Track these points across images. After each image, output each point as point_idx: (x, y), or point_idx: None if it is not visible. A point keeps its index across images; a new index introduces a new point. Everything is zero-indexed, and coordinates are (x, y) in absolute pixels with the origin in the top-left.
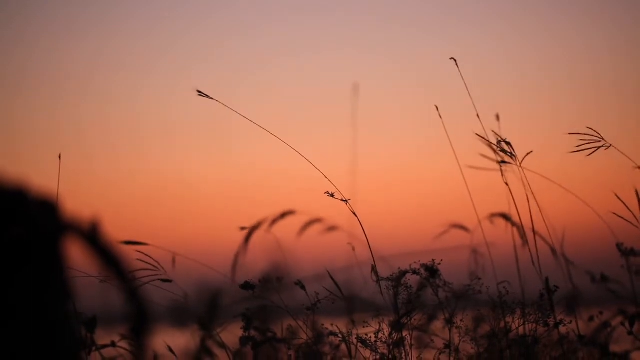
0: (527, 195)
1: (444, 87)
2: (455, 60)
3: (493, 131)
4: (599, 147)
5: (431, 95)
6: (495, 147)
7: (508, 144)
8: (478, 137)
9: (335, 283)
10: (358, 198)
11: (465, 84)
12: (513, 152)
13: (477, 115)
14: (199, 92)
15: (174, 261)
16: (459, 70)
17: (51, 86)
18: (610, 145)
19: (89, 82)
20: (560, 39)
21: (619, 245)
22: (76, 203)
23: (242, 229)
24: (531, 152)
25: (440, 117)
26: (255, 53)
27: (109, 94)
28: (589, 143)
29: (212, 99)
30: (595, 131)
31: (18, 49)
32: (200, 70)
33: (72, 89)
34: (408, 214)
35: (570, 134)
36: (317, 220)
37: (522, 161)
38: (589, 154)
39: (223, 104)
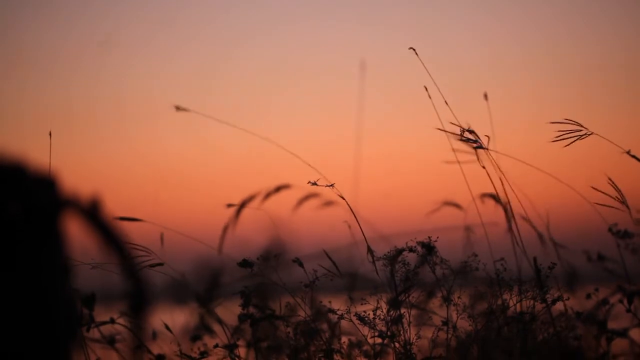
0: (500, 179)
1: (432, 70)
2: (414, 50)
3: (452, 123)
4: (579, 137)
5: (421, 77)
6: (460, 136)
7: (471, 132)
8: (439, 130)
9: (332, 261)
10: (360, 178)
11: (428, 71)
12: (478, 140)
13: (446, 102)
14: (177, 107)
15: (162, 239)
16: (420, 59)
17: (43, 65)
18: (592, 133)
19: (81, 61)
20: (543, 24)
21: (611, 228)
22: (69, 180)
23: (229, 205)
24: (487, 136)
25: (430, 97)
26: (252, 26)
27: (101, 72)
28: (568, 133)
29: (190, 111)
30: (574, 121)
31: (8, 27)
32: (196, 44)
33: (64, 68)
34: (404, 194)
35: (551, 123)
36: (313, 195)
37: (487, 146)
38: (567, 144)
39: (202, 114)
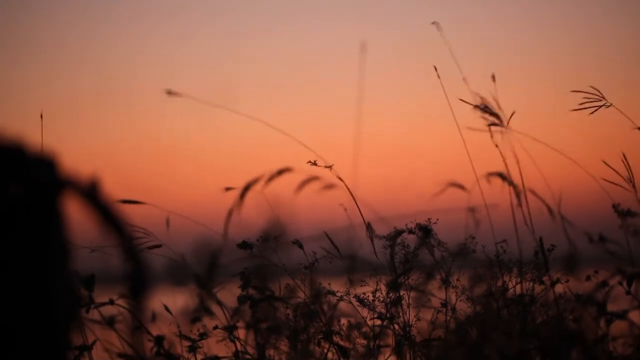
0: (515, 156)
1: (443, 49)
2: (438, 24)
3: (478, 95)
4: (600, 106)
5: (430, 57)
6: (480, 111)
7: (488, 108)
8: (462, 101)
9: (332, 243)
10: (362, 162)
11: (450, 48)
12: (499, 114)
13: (464, 79)
14: (168, 91)
15: (167, 223)
16: (441, 35)
17: (39, 47)
18: (611, 104)
19: (87, 44)
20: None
21: (615, 207)
22: (69, 161)
23: (227, 189)
24: (514, 112)
25: (439, 77)
26: (255, 15)
27: (100, 54)
28: (591, 102)
29: (182, 96)
30: (597, 90)
31: (3, 7)
32: (202, 28)
33: (68, 52)
34: (408, 175)
35: (573, 91)
36: (314, 178)
37: (507, 123)
38: (591, 113)
39: (195, 100)
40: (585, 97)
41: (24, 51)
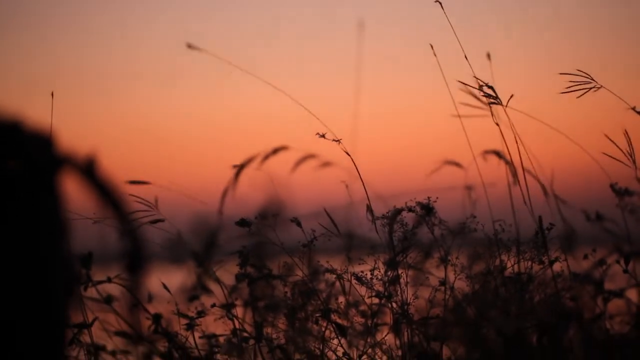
0: (515, 135)
1: (441, 29)
2: (440, 3)
3: (475, 77)
4: (589, 89)
5: (428, 36)
6: (478, 92)
7: (491, 87)
8: (461, 83)
9: (332, 220)
10: (358, 138)
11: (452, 26)
12: (496, 95)
13: (465, 57)
14: (189, 45)
15: (156, 201)
16: (445, 13)
17: (49, 25)
18: (601, 86)
19: (90, 23)
20: None
21: (613, 186)
22: (70, 140)
23: (235, 166)
24: (512, 95)
25: (435, 55)
26: None
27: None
28: (579, 84)
29: (203, 50)
30: (585, 73)
31: None
32: (198, 10)
33: (71, 30)
34: (404, 154)
35: (561, 74)
36: (311, 156)
37: (507, 104)
38: (579, 96)
39: (215, 56)
40: (571, 81)
41: (30, 25)
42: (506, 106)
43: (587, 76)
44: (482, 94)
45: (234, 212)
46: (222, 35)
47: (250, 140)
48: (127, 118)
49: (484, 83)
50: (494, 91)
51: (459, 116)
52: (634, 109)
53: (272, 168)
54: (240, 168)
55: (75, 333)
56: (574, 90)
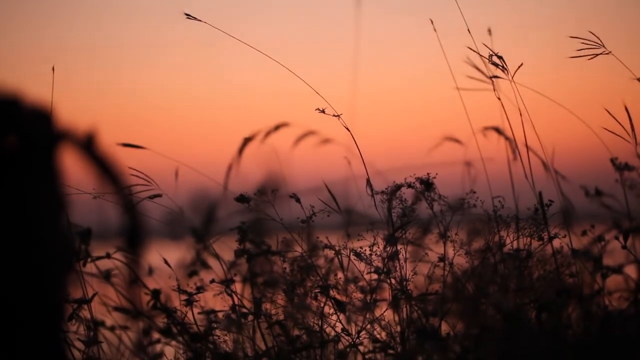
0: (519, 110)
1: (440, 2)
2: None
3: (484, 44)
4: (599, 53)
5: (427, 10)
6: (486, 61)
7: (500, 57)
8: (470, 50)
9: (332, 195)
10: (357, 115)
11: (457, 2)
12: (505, 66)
13: (468, 30)
14: (187, 14)
15: (176, 174)
16: None
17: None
18: (610, 52)
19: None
20: None
21: (613, 160)
22: (71, 115)
23: (245, 139)
24: (522, 64)
25: (435, 30)
26: None
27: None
28: (590, 48)
29: (200, 21)
30: (596, 36)
31: None
32: None
33: (74, 5)
34: (404, 130)
35: (571, 37)
36: (311, 133)
37: (513, 75)
38: (590, 59)
39: (212, 26)
40: (583, 43)
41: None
42: (513, 77)
43: (598, 40)
44: (490, 62)
45: (235, 187)
46: (221, 11)
47: (247, 117)
48: (126, 94)
49: (494, 52)
50: (503, 61)
51: (458, 89)
52: (639, 79)
53: (273, 144)
54: (243, 144)
55: (74, 308)
56: (584, 55)
